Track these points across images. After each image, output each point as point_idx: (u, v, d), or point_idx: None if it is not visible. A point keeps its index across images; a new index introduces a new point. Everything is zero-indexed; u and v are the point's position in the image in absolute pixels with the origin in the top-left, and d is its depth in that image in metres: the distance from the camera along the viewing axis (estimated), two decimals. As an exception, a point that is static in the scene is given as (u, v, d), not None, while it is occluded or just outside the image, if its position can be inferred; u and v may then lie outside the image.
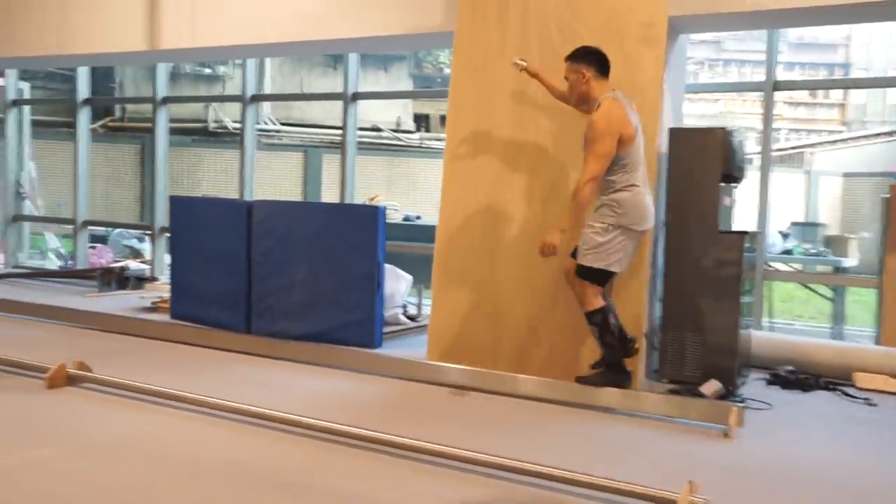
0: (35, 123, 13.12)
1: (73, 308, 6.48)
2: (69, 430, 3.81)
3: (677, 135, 5.14)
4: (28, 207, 10.61)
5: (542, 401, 4.61)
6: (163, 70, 9.18)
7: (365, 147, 16.54)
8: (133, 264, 8.75)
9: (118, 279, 8.21)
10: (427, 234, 6.76)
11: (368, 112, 17.13)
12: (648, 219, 4.47)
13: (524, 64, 4.95)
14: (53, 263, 10.46)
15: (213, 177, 15.34)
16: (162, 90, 9.15)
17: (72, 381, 4.48)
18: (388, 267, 6.28)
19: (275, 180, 15.73)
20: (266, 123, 16.63)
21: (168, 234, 7.52)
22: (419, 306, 7.08)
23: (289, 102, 17.50)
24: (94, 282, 8.26)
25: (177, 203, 7.03)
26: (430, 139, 18.10)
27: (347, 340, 5.90)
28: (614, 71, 4.99)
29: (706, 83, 14.87)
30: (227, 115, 16.46)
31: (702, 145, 5.02)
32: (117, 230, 10.76)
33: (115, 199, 15.14)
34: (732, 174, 5.06)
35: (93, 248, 9.59)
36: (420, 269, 7.47)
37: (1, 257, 10.28)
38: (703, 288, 5.05)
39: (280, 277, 6.21)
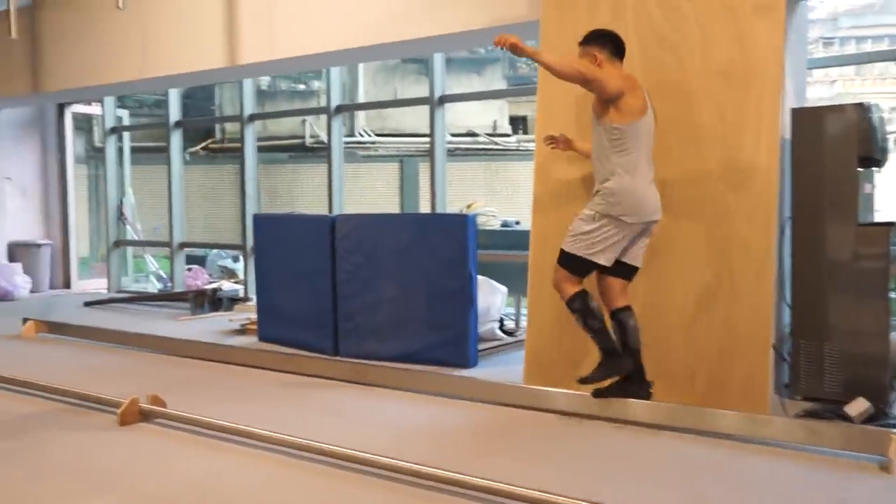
0: (139, 150, 13.42)
1: (157, 335, 6.31)
2: (133, 474, 3.51)
3: (802, 116, 4.47)
4: (130, 232, 10.73)
5: (653, 427, 4.04)
6: (249, 87, 9.05)
7: (461, 153, 16.19)
8: (226, 285, 8.62)
9: (211, 301, 8.08)
10: (527, 240, 6.36)
11: (463, 117, 16.76)
12: (646, 211, 4.04)
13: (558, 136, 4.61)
14: (155, 286, 10.53)
15: (310, 192, 15.32)
16: (249, 107, 9.01)
17: (144, 416, 4.22)
18: (481, 279, 5.83)
19: (372, 192, 15.59)
20: (361, 135, 16.52)
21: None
22: (517, 319, 6.59)
23: (383, 114, 17.32)
24: (189, 304, 8.16)
25: (260, 221, 6.79)
26: (527, 141, 17.58)
27: (440, 360, 5.49)
28: (724, 50, 4.40)
29: (837, 55, 13.44)
30: (324, 129, 16.43)
31: (833, 126, 4.34)
32: (215, 251, 10.75)
33: (216, 219, 15.32)
34: (873, 157, 4.35)
35: (189, 269, 9.56)
36: (520, 278, 6.99)
37: (104, 282, 10.43)
38: (842, 289, 4.36)
39: (366, 295, 5.84)
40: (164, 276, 10.37)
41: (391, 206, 15.48)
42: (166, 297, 8.90)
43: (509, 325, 6.49)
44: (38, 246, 10.43)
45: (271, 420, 4.21)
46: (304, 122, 16.83)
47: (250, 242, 8.83)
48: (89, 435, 4.06)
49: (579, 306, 4.05)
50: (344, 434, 3.97)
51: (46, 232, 10.83)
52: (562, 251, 4.08)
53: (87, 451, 3.83)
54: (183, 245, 9.69)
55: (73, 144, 10.98)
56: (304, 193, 15.44)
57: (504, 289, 6.26)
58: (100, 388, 4.78)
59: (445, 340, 5.56)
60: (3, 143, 10.36)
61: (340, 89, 8.52)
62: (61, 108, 10.83)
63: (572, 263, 4.05)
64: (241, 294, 8.55)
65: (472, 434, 4.12)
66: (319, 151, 16.63)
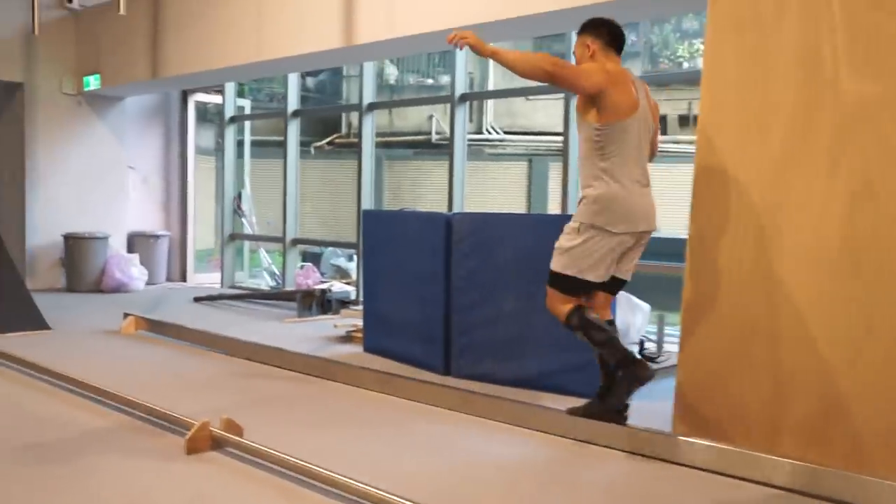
0: (262, 143, 13.18)
1: (252, 342, 5.71)
2: (184, 525, 2.85)
3: None
4: (246, 226, 10.40)
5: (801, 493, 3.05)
6: (370, 73, 8.45)
7: None
8: (337, 286, 8.04)
9: (319, 302, 7.50)
10: (666, 248, 5.49)
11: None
12: (635, 220, 3.66)
13: None
14: (267, 283, 10.14)
15: (434, 190, 14.76)
16: (368, 96, 8.41)
17: (216, 444, 3.57)
18: (620, 294, 4.91)
19: (498, 193, 14.85)
20: (489, 132, 15.80)
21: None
22: (660, 342, 5.61)
23: (512, 110, 16.50)
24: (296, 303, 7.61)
25: (370, 217, 6.11)
26: (666, 142, 16.36)
27: (567, 388, 4.63)
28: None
29: None
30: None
31: None
32: (330, 248, 10.25)
33: (336, 216, 14.98)
34: None
35: (301, 267, 9.05)
36: (660, 293, 6.06)
37: (218, 276, 10.11)
38: None
39: (485, 307, 5.04)
40: (277, 272, 9.96)
41: (517, 207, 14.74)
42: (274, 295, 8.42)
43: (650, 348, 5.53)
44: (157, 237, 10.24)
45: (362, 457, 3.51)
46: (430, 117, 16.31)
47: (364, 241, 8.23)
48: (149, 464, 3.44)
49: (577, 322, 3.70)
50: (445, 486, 3.19)
51: (166, 223, 10.66)
52: (550, 271, 3.74)
53: (139, 486, 3.20)
54: (295, 241, 9.21)
55: (194, 133, 10.76)
56: (428, 191, 14.91)
57: (646, 306, 5.33)
58: (180, 401, 4.25)
59: (574, 366, 4.67)
60: (127, 132, 10.23)
61: (467, 79, 7.77)
62: (185, 97, 10.63)
63: (563, 283, 3.71)
64: (352, 296, 7.94)
65: (609, 498, 3.23)
66: (445, 148, 16.00)
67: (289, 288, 8.82)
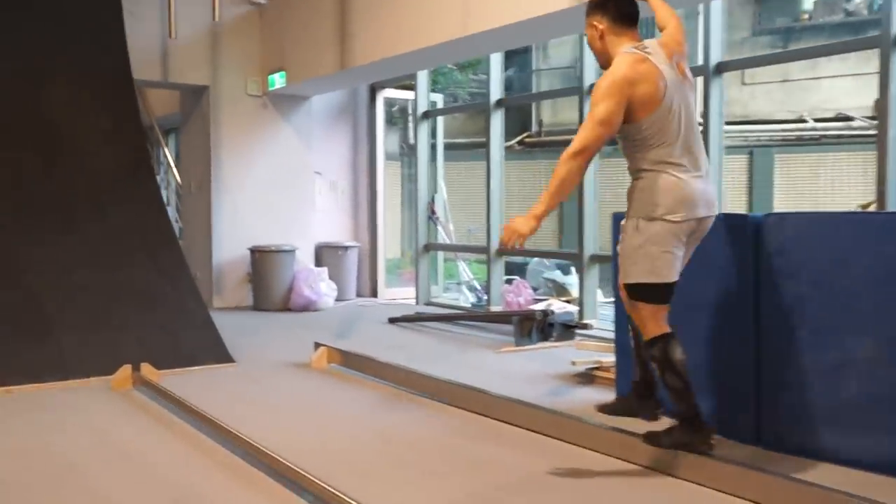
0: (450, 146, 12.07)
1: (475, 388, 4.37)
2: None
3: None
4: (441, 234, 9.23)
5: None
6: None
7: (831, 141, 13.50)
8: (556, 305, 6.62)
9: (540, 327, 6.10)
10: None
11: (834, 98, 13.84)
12: (693, 206, 3.20)
13: None
14: (467, 298, 8.89)
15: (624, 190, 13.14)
16: (590, 76, 6.94)
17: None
18: None
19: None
20: (700, 124, 13.93)
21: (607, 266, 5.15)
22: None
23: (727, 98, 14.45)
24: (511, 327, 6.26)
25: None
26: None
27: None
28: None
29: None
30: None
31: None
32: (535, 259, 8.84)
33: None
34: None
35: (509, 282, 7.70)
36: None
37: (411, 290, 8.99)
38: None
39: (819, 351, 3.42)
40: (479, 287, 8.68)
41: (737, 206, 12.94)
42: (485, 317, 7.11)
43: None
44: (345, 248, 9.26)
45: None
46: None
47: (588, 250, 6.77)
48: None
49: (658, 354, 3.22)
50: None
51: (354, 233, 9.70)
52: (627, 285, 3.29)
53: None
54: (502, 252, 7.88)
55: (384, 133, 9.73)
56: (621, 192, 13.31)
57: None
58: (386, 481, 3.15)
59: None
60: (313, 135, 9.34)
61: (722, 47, 6.13)
62: (373, 93, 9.63)
63: (644, 292, 3.24)
64: (576, 318, 6.49)
65: None
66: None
67: (495, 306, 7.51)
